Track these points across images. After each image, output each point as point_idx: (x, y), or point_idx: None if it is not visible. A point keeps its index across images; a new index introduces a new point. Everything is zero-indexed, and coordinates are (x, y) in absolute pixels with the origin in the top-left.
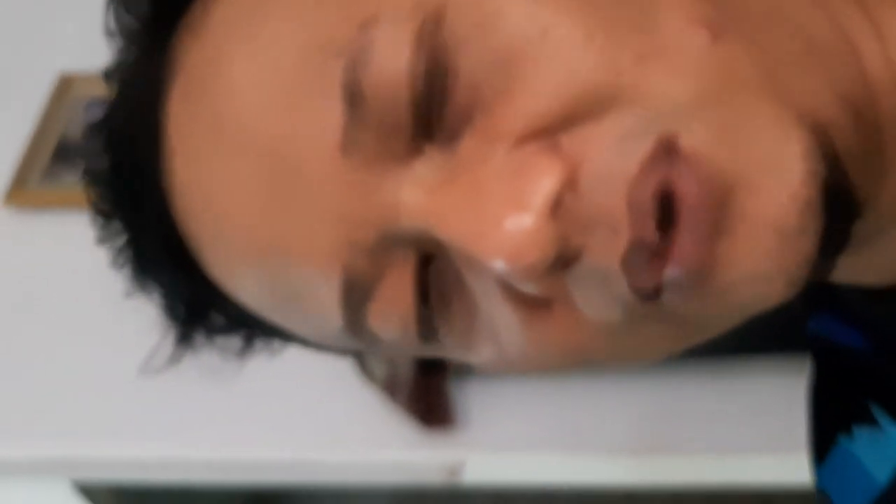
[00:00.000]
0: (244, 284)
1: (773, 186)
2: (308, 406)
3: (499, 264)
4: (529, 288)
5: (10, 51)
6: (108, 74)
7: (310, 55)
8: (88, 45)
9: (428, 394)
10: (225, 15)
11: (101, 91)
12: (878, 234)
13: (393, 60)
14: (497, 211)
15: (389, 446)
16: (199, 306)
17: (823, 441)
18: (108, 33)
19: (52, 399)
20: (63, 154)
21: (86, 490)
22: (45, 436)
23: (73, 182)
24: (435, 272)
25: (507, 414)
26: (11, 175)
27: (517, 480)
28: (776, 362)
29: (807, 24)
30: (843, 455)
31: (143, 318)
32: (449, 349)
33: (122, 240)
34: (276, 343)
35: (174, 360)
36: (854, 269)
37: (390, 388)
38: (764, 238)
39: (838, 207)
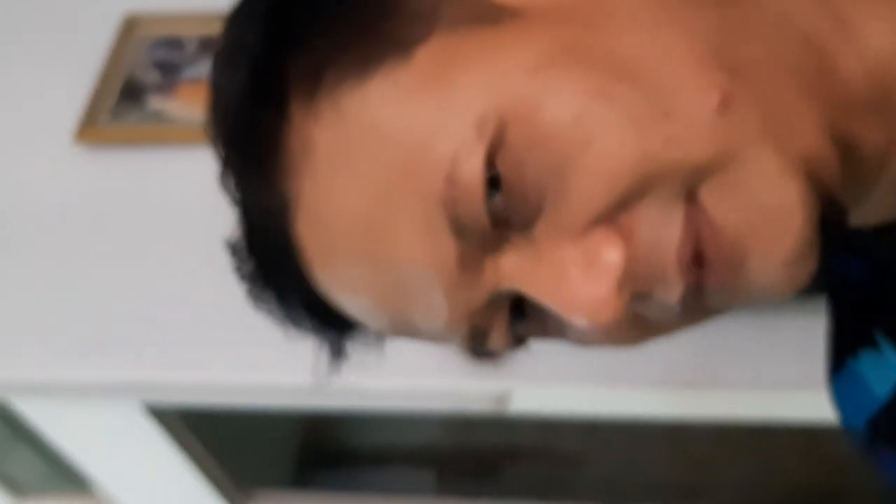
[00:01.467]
0: (376, 323)
1: (778, 234)
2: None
3: (582, 322)
4: (609, 332)
5: None
6: (222, 182)
7: (409, 195)
8: None
9: None
10: (325, 159)
11: (165, 31)
12: (868, 186)
13: (473, 184)
14: (579, 288)
15: (441, 375)
16: (341, 336)
17: (836, 365)
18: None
19: (124, 325)
20: (130, 93)
21: (156, 412)
22: (118, 360)
23: (139, 120)
24: (530, 306)
25: (554, 347)
26: (82, 114)
27: (563, 411)
28: (816, 301)
29: (795, 57)
30: (851, 375)
31: (212, 249)
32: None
33: (276, 311)
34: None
35: (334, 367)
36: (856, 215)
37: None
38: (774, 270)
39: (831, 224)
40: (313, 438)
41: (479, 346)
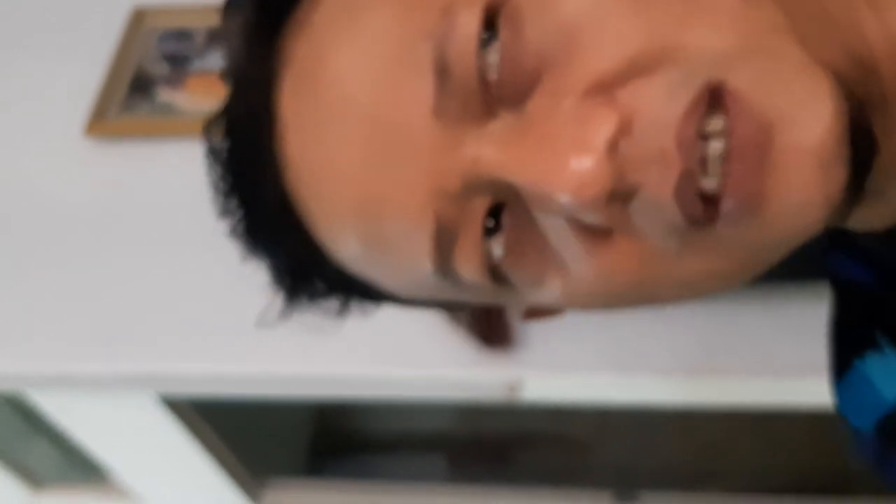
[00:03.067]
0: (346, 241)
1: (810, 121)
2: (376, 325)
3: (565, 198)
4: (593, 218)
5: None
6: (223, 73)
7: (402, 40)
8: None
9: (489, 315)
10: (326, 14)
11: (174, 23)
12: (878, 186)
13: (466, 34)
14: (563, 154)
15: (453, 364)
16: (305, 270)
17: (841, 365)
18: (222, 35)
19: (138, 317)
20: (139, 85)
21: (170, 403)
22: (133, 352)
23: (149, 112)
24: (510, 215)
25: (565, 335)
26: (91, 107)
27: (574, 398)
28: (822, 287)
29: (823, 5)
30: (857, 376)
31: (220, 240)
32: (521, 289)
33: (237, 212)
34: (370, 305)
35: (283, 316)
36: (864, 217)
37: (453, 309)
38: (807, 168)
39: (861, 141)
40: (326, 427)
41: (444, 261)
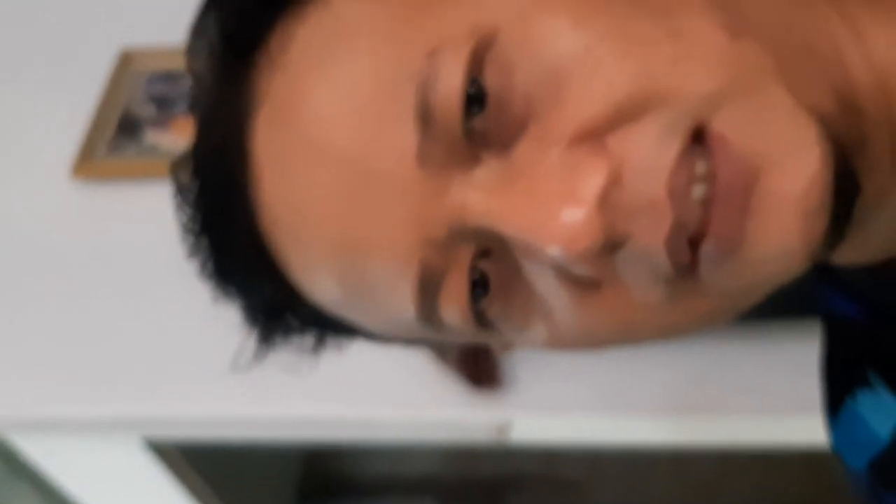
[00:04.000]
0: (323, 283)
1: (796, 168)
2: (362, 366)
3: (555, 250)
4: (582, 270)
5: (72, 27)
6: (191, 107)
7: (385, 82)
8: (148, 21)
9: (476, 356)
10: (304, 50)
11: (161, 65)
12: (863, 221)
13: (452, 82)
14: (553, 205)
15: (440, 405)
16: (279, 309)
17: (834, 404)
18: (188, 69)
19: (121, 361)
20: (126, 127)
21: (156, 447)
22: (117, 395)
23: (136, 154)
24: (495, 262)
25: (554, 375)
26: (78, 148)
27: (564, 440)
28: (815, 325)
29: (802, 34)
30: (850, 415)
31: (206, 283)
32: (505, 333)
33: (208, 253)
34: (345, 339)
35: (257, 359)
36: (846, 252)
37: (440, 350)
38: (789, 216)
39: (845, 187)
40: (314, 470)
41: (429, 307)
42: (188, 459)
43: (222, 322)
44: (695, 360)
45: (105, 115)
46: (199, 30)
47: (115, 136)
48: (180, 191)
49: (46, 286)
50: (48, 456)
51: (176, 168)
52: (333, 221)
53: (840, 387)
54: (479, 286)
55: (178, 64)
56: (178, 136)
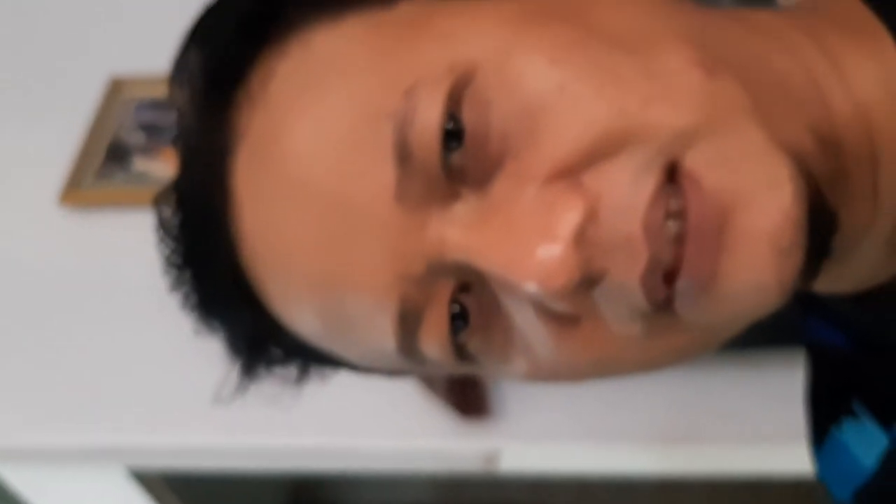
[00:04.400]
0: (304, 317)
1: (768, 205)
2: (349, 396)
3: (532, 286)
4: (559, 306)
5: (62, 55)
6: (174, 142)
7: (363, 119)
8: (138, 49)
9: (464, 385)
10: (283, 87)
11: (150, 93)
12: (846, 251)
13: (430, 119)
14: (530, 242)
15: (427, 435)
16: (261, 340)
17: (819, 433)
18: (170, 103)
19: (107, 390)
20: (115, 154)
21: (140, 476)
22: (101, 425)
23: (124, 181)
24: (475, 296)
25: (542, 405)
26: (66, 175)
27: (552, 469)
28: (802, 354)
29: (782, 68)
30: (835, 445)
31: (189, 316)
32: (485, 365)
33: (190, 286)
34: (328, 370)
35: (240, 390)
36: (830, 281)
37: (428, 379)
38: (761, 253)
39: (821, 224)
40: (301, 500)
41: (409, 341)
42: (172, 489)
43: (207, 352)
44: (682, 389)
45: (94, 143)
46: (181, 64)
47: (103, 164)
48: (162, 224)
49: (32, 314)
50: (32, 485)
51: (158, 201)
52: (312, 257)
53: (825, 416)
54: (458, 319)
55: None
56: (166, 164)
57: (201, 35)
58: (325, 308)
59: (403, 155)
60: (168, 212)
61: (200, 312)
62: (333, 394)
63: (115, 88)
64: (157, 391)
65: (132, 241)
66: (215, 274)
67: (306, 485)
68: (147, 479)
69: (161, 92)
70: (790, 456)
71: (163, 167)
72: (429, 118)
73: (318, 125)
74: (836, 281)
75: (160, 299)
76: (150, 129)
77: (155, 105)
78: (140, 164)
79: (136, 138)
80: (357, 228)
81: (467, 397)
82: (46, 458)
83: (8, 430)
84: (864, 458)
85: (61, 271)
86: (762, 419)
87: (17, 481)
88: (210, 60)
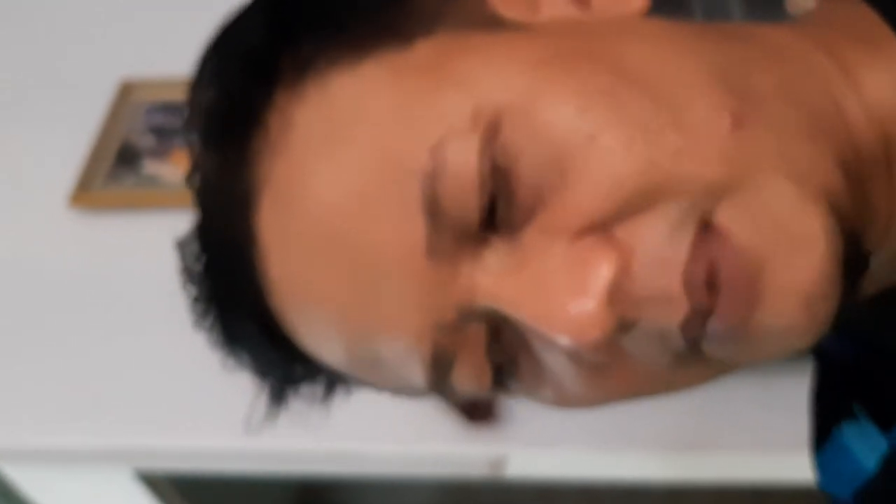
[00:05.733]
0: (334, 354)
1: (800, 263)
2: (357, 400)
3: (565, 340)
4: (591, 357)
5: (72, 58)
6: (189, 180)
7: (388, 174)
8: (148, 53)
9: None
10: (304, 136)
11: (161, 96)
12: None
13: (463, 172)
14: (562, 296)
15: (434, 440)
16: (290, 371)
17: (821, 435)
18: (188, 143)
19: (116, 391)
20: (125, 157)
21: (147, 478)
22: (109, 426)
23: (134, 184)
24: (505, 338)
25: (549, 411)
26: (76, 178)
27: (559, 475)
28: (809, 364)
29: (806, 95)
30: (836, 446)
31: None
32: (516, 394)
33: (218, 326)
34: (354, 387)
35: (271, 417)
36: None
37: None
38: (793, 306)
39: (854, 268)
40: (307, 503)
41: (441, 382)
42: (180, 491)
43: (216, 354)
44: (690, 396)
45: (104, 146)
46: (193, 101)
47: (113, 167)
48: (187, 267)
49: (42, 316)
50: (41, 487)
51: (182, 246)
52: (341, 305)
53: (827, 419)
54: (503, 370)
55: (178, 95)
56: (176, 167)
57: (211, 70)
58: (353, 350)
59: (433, 211)
60: (192, 254)
61: (228, 349)
62: (341, 398)
63: (126, 91)
64: (165, 393)
65: (141, 244)
66: (243, 316)
67: (313, 488)
68: (154, 481)
69: (172, 95)
70: (797, 463)
71: (172, 170)
72: (463, 168)
73: (342, 177)
74: None
75: (169, 301)
76: (160, 132)
77: (165, 108)
78: (150, 166)
79: (146, 141)
80: (387, 281)
81: (475, 403)
82: (54, 460)
83: (16, 431)
84: (864, 460)
85: (70, 273)
86: (770, 427)
87: (25, 482)
88: (223, 99)
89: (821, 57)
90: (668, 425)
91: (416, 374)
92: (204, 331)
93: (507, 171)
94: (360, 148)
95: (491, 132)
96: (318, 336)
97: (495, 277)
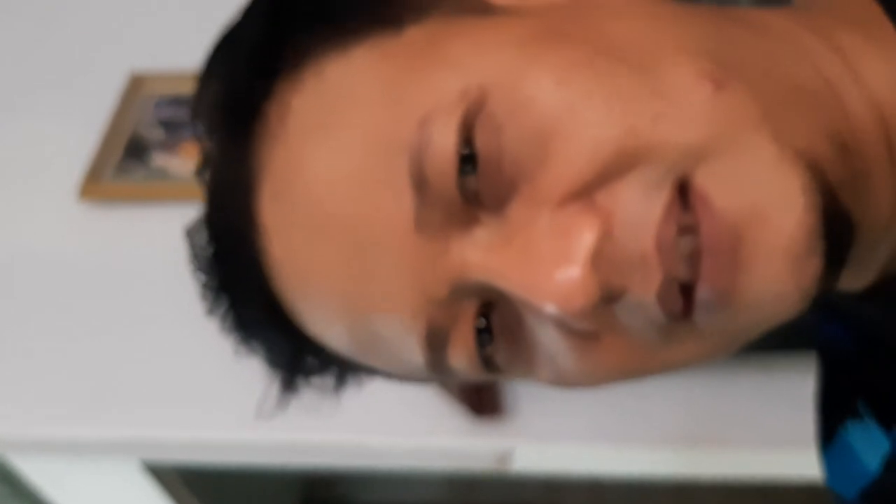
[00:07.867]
0: (336, 337)
1: (780, 220)
2: (363, 393)
3: (552, 308)
4: (580, 325)
5: (83, 51)
6: (199, 173)
7: (378, 152)
8: (158, 46)
9: (478, 385)
10: (300, 122)
11: (170, 89)
12: (869, 249)
13: (444, 147)
14: (547, 264)
15: (440, 434)
16: (299, 356)
17: (828, 434)
18: (196, 137)
19: (124, 383)
20: (134, 149)
21: (154, 470)
22: (116, 418)
23: (143, 177)
24: (499, 313)
25: (556, 405)
26: (86, 170)
27: (565, 469)
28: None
29: (795, 73)
30: (841, 445)
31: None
32: (511, 375)
33: (228, 312)
34: (364, 376)
35: (282, 404)
36: (846, 281)
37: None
38: (778, 265)
39: (838, 229)
40: (313, 496)
41: (437, 358)
42: (186, 483)
43: (223, 345)
44: (696, 392)
45: (113, 138)
46: (200, 96)
47: (122, 159)
48: (196, 255)
49: (51, 307)
50: (47, 478)
51: (191, 234)
52: (338, 287)
53: (832, 417)
54: (484, 333)
55: (187, 88)
56: (185, 160)
57: (217, 67)
58: (354, 330)
59: (420, 184)
60: (201, 242)
61: (239, 335)
62: (347, 391)
63: (136, 84)
64: (173, 385)
65: (150, 236)
66: (251, 301)
67: (320, 481)
68: (161, 473)
69: (181, 88)
70: (804, 460)
71: (181, 163)
72: (443, 145)
73: (335, 159)
74: (851, 280)
75: (177, 293)
76: (170, 126)
77: (174, 101)
78: (159, 159)
79: (155, 134)
80: (380, 258)
81: (481, 397)
82: (61, 451)
83: (23, 423)
84: (868, 460)
85: (79, 265)
86: (776, 423)
87: (32, 473)
88: (227, 93)
89: (820, 45)
90: (675, 421)
91: (415, 352)
92: (214, 318)
93: (490, 146)
94: (352, 128)
95: (474, 108)
96: (321, 318)
97: (484, 252)
